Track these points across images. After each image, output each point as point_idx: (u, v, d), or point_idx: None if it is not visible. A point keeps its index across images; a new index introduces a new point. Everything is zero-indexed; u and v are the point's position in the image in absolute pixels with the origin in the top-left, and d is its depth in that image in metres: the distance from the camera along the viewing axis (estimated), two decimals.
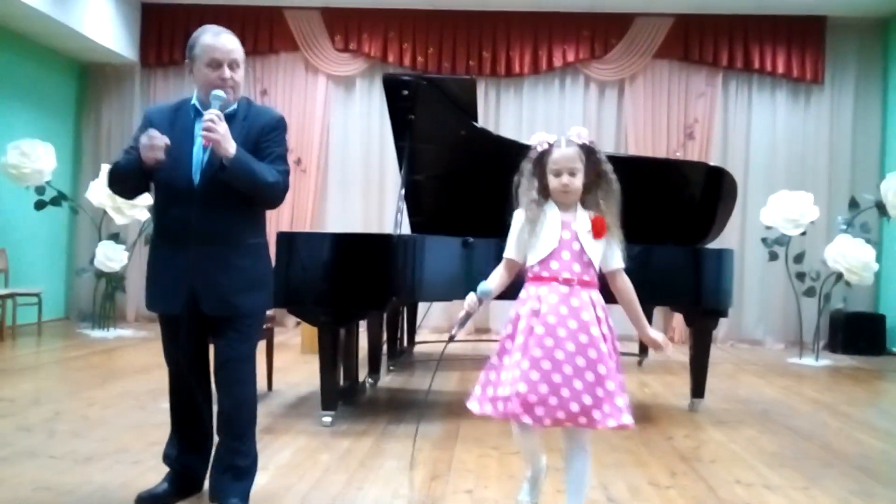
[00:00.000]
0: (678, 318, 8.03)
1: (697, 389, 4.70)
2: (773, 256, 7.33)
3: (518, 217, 2.51)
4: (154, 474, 3.04)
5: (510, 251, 2.53)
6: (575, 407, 2.32)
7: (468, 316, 2.51)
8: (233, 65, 2.58)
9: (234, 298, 2.59)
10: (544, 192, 2.48)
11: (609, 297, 2.55)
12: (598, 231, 2.43)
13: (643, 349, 6.60)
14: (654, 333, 2.55)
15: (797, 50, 8.21)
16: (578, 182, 2.44)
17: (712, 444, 3.92)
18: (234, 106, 2.61)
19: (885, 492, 3.19)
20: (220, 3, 8.33)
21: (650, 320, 6.42)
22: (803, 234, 7.07)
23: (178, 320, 2.61)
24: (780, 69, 8.22)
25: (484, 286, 2.49)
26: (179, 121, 2.62)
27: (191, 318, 2.61)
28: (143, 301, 8.59)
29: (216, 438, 2.69)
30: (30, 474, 3.04)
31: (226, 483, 2.62)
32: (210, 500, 2.67)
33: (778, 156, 8.29)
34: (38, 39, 7.63)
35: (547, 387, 2.32)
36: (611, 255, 2.49)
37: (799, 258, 7.28)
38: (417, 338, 7.10)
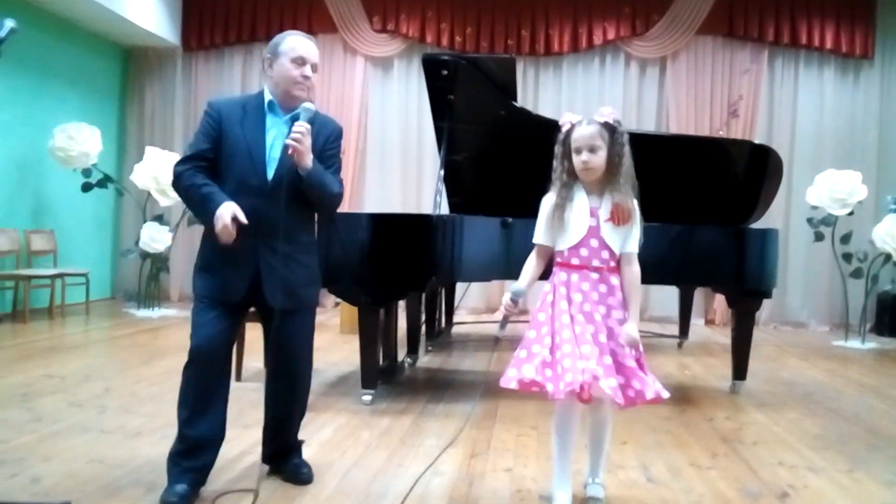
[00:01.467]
0: (720, 300, 7.93)
1: (739, 371, 4.64)
2: (819, 237, 7.18)
3: (547, 201, 2.57)
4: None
5: (540, 237, 2.59)
6: (609, 383, 2.38)
7: (506, 318, 2.58)
8: (314, 67, 2.72)
9: (299, 291, 2.72)
10: (572, 174, 2.52)
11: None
12: (617, 219, 2.49)
13: (683, 331, 6.53)
14: (634, 331, 2.48)
15: (846, 24, 7.96)
16: (599, 159, 2.47)
17: (754, 426, 3.88)
18: (313, 111, 2.68)
19: None
20: None
21: (692, 295, 6.42)
22: (850, 213, 6.90)
23: (231, 306, 2.67)
24: (829, 44, 7.99)
25: (516, 287, 2.55)
26: (250, 116, 2.70)
27: (246, 307, 2.76)
28: (186, 282, 8.72)
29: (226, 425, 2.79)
30: (82, 448, 3.14)
31: (297, 461, 2.89)
32: (284, 478, 2.85)
33: (825, 134, 8.08)
34: (82, 24, 7.77)
35: (582, 364, 2.37)
36: (629, 240, 2.54)
37: (846, 239, 7.11)
38: (455, 319, 7.13)
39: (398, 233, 3.90)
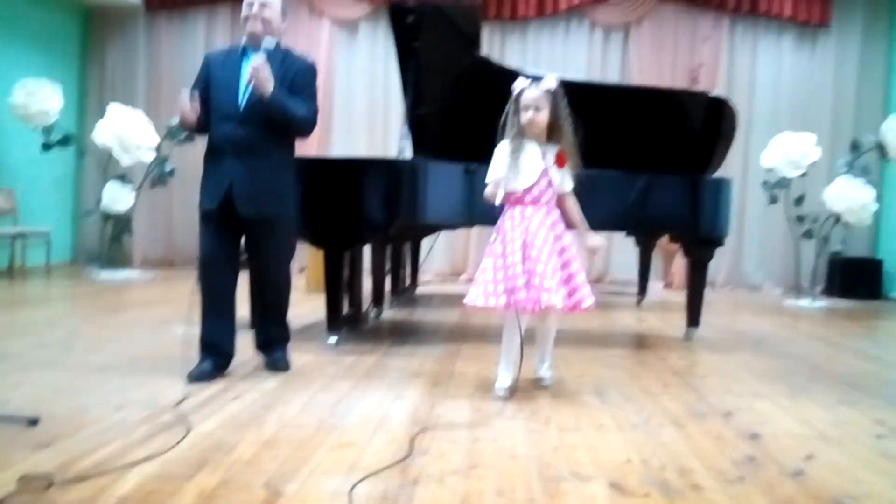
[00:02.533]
0: (678, 264, 8.12)
1: (693, 318, 4.80)
2: (773, 199, 7.39)
3: (502, 148, 3.10)
4: (168, 380, 3.18)
5: (495, 174, 3.08)
6: (560, 294, 2.99)
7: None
8: (259, 4, 3.20)
9: (267, 201, 3.21)
10: (522, 129, 3.07)
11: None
12: (560, 162, 3.10)
13: (642, 290, 6.72)
14: (593, 239, 3.18)
15: None
16: (541, 117, 3.04)
17: (704, 364, 4.05)
18: (273, 44, 3.24)
19: (869, 400, 3.31)
20: None
21: (651, 255, 6.64)
22: (804, 175, 7.12)
23: (220, 220, 3.20)
24: (787, 12, 8.17)
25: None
26: (230, 58, 3.27)
27: (222, 215, 3.19)
28: (150, 244, 8.78)
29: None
30: (49, 380, 3.17)
31: (275, 350, 3.48)
32: (265, 365, 3.47)
33: (782, 100, 8.29)
34: None
35: (526, 278, 2.96)
36: (565, 180, 3.14)
37: (799, 201, 7.34)
38: (420, 280, 7.22)
39: (362, 176, 3.96)
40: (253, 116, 3.16)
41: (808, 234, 7.32)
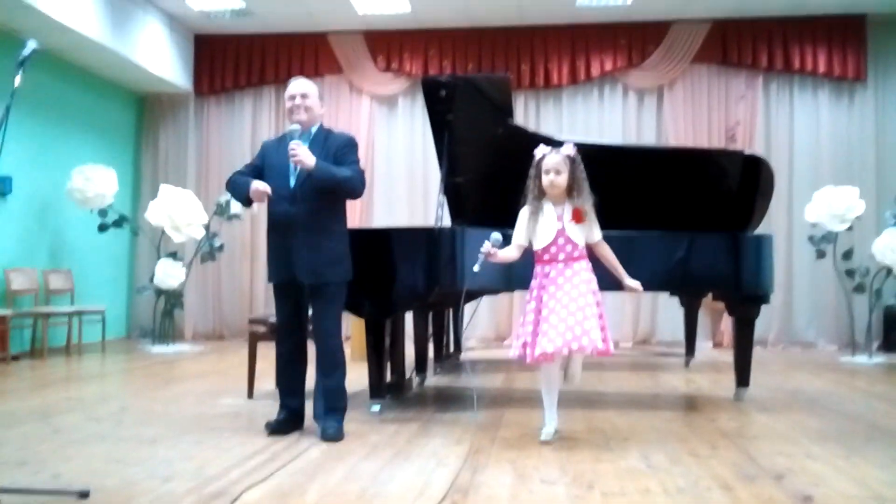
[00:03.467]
0: (727, 322, 7.97)
1: (742, 378, 4.70)
2: (821, 254, 7.26)
3: (523, 212, 3.45)
4: (215, 452, 3.25)
5: (518, 237, 3.45)
6: (598, 342, 3.22)
7: (485, 256, 3.36)
8: (302, 95, 3.60)
9: (323, 270, 3.52)
10: (542, 192, 3.39)
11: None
12: (577, 219, 3.36)
13: (689, 350, 6.60)
14: (630, 281, 3.45)
15: (838, 49, 8.17)
16: (561, 180, 3.33)
17: (755, 425, 3.95)
18: (316, 127, 3.66)
19: None
20: (269, 31, 8.71)
21: (696, 315, 6.54)
22: (850, 229, 7.00)
23: (287, 290, 3.59)
24: (822, 69, 8.19)
25: (496, 235, 3.36)
26: (282, 146, 3.59)
27: (289, 286, 3.58)
28: (200, 319, 9.05)
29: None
30: (100, 451, 3.26)
31: (324, 413, 3.55)
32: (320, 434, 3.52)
33: (823, 155, 8.22)
34: (98, 71, 8.09)
35: (578, 328, 3.20)
36: (591, 232, 3.41)
37: (847, 255, 7.19)
38: (464, 345, 7.21)
39: (401, 245, 4.05)
40: (304, 194, 3.50)
41: (859, 289, 7.14)
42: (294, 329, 3.68)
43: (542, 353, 3.26)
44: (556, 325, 3.24)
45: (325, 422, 3.54)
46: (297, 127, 3.56)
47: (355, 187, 3.58)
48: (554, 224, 3.36)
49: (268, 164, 3.65)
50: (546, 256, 3.38)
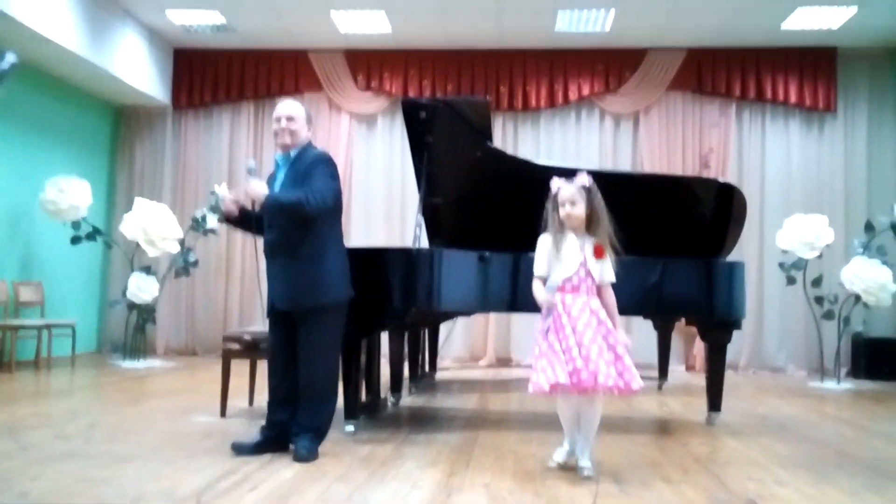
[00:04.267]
0: (699, 346, 8.05)
1: (714, 402, 4.75)
2: (791, 281, 7.39)
3: (544, 241, 3.35)
4: (186, 472, 3.21)
5: (540, 269, 3.34)
6: (610, 380, 3.13)
7: (549, 310, 3.26)
8: (288, 117, 3.61)
9: (298, 297, 3.49)
10: (562, 224, 3.33)
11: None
12: (598, 254, 3.31)
13: (662, 373, 6.66)
14: (623, 336, 3.27)
15: (809, 80, 8.36)
16: (578, 211, 3.29)
17: (726, 450, 3.99)
18: (297, 150, 3.62)
19: None
20: (249, 47, 8.71)
21: (670, 338, 6.59)
22: (819, 257, 7.14)
23: (270, 313, 3.61)
24: (793, 99, 8.37)
25: (551, 284, 3.26)
26: (277, 169, 3.68)
27: (276, 316, 3.59)
28: (172, 334, 8.91)
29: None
30: (69, 471, 3.20)
31: (302, 442, 3.48)
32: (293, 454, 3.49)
33: (794, 183, 8.38)
34: (75, 83, 8.03)
35: (579, 363, 3.12)
36: (605, 271, 3.34)
37: (817, 282, 7.32)
38: (439, 365, 7.21)
39: (378, 265, 4.06)
40: (272, 220, 3.54)
41: (828, 315, 7.26)
42: (283, 364, 3.60)
43: (559, 385, 3.14)
44: (598, 358, 3.15)
45: (299, 441, 3.49)
46: (251, 163, 3.64)
47: (312, 209, 3.41)
48: (577, 255, 3.29)
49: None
50: (568, 286, 3.27)
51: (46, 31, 6.53)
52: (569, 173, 3.43)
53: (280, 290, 3.50)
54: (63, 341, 7.45)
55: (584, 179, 3.34)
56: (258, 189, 3.42)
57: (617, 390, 3.16)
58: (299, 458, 3.43)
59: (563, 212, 3.30)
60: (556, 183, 3.38)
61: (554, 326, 3.22)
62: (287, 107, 3.65)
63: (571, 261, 3.28)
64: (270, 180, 3.65)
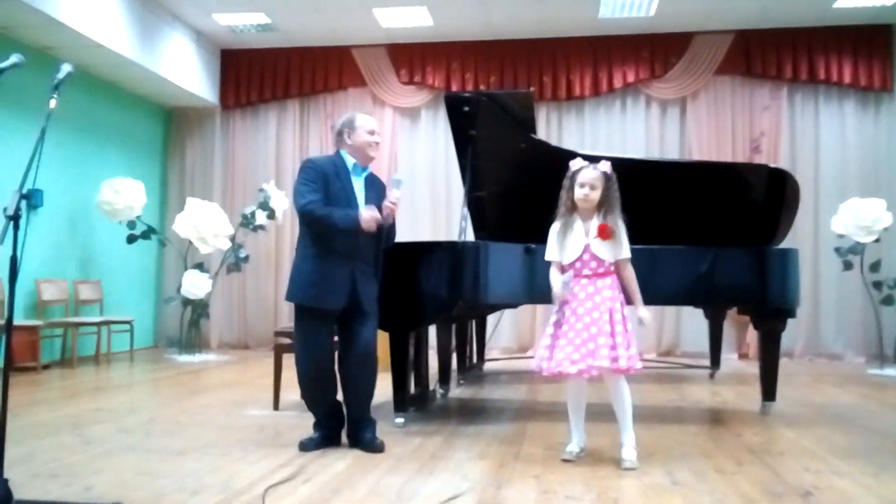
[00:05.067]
0: (752, 334, 7.90)
1: (768, 392, 4.67)
2: (848, 266, 7.19)
3: (553, 228, 3.42)
4: (242, 464, 3.30)
5: (550, 255, 3.42)
6: (604, 361, 3.16)
7: (562, 302, 3.32)
8: (378, 135, 3.76)
9: (373, 300, 3.70)
10: (573, 205, 3.35)
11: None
12: (602, 235, 3.30)
13: (714, 362, 6.55)
14: (643, 311, 3.33)
15: (864, 59, 8.10)
16: (594, 195, 3.31)
17: (782, 441, 3.91)
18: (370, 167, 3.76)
19: None
20: (293, 45, 8.82)
21: (721, 326, 6.46)
22: (877, 241, 6.93)
23: (328, 315, 3.57)
24: (847, 79, 8.12)
25: (565, 279, 3.30)
26: (342, 174, 3.63)
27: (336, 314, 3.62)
28: (226, 328, 9.00)
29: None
30: (130, 463, 3.32)
31: (370, 435, 3.61)
32: (361, 448, 3.58)
33: (849, 165, 8.14)
34: (127, 86, 8.25)
35: (584, 348, 3.19)
36: (617, 249, 3.32)
37: (875, 267, 7.11)
38: (487, 356, 7.23)
39: (425, 259, 4.08)
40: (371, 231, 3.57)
41: (887, 301, 7.05)
42: (331, 357, 3.70)
43: (560, 372, 3.24)
44: (564, 347, 3.23)
45: (373, 438, 3.61)
46: (400, 178, 3.77)
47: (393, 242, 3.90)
48: (581, 240, 3.32)
49: (330, 189, 3.56)
50: (572, 271, 3.33)
51: (98, 37, 6.72)
52: (615, 163, 3.41)
53: (367, 295, 3.64)
54: (121, 337, 7.69)
55: (606, 166, 3.35)
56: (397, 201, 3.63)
57: (613, 370, 3.21)
58: (382, 450, 3.56)
59: (580, 192, 3.29)
60: (579, 163, 3.36)
61: (559, 311, 3.32)
62: (377, 125, 3.78)
63: (575, 246, 3.31)
64: (343, 182, 3.61)
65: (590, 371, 3.19)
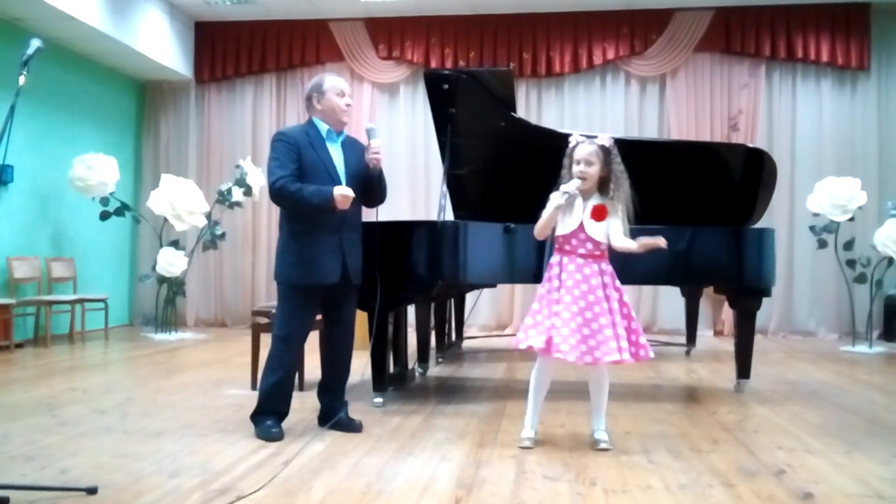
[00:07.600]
0: (727, 310, 7.99)
1: (742, 370, 4.73)
2: (822, 244, 7.27)
3: (554, 196, 3.22)
4: (220, 445, 3.28)
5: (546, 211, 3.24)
6: (614, 355, 3.08)
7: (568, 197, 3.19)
8: (349, 97, 3.59)
9: (359, 269, 3.62)
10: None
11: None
12: (596, 216, 3.20)
13: (690, 339, 6.62)
14: (647, 239, 3.20)
15: (841, 38, 8.13)
16: (592, 171, 3.19)
17: (756, 418, 3.97)
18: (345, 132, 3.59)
19: None
20: (270, 18, 8.66)
21: (698, 304, 6.53)
22: (851, 219, 7.01)
23: (316, 292, 3.47)
24: (825, 57, 8.14)
25: (571, 187, 3.18)
26: (316, 142, 3.47)
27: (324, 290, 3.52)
28: (202, 305, 8.88)
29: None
30: (107, 445, 3.29)
31: (347, 415, 3.60)
32: (341, 429, 3.54)
33: (825, 144, 8.20)
34: (99, 59, 8.07)
35: (592, 340, 3.10)
36: (612, 232, 3.21)
37: (848, 245, 7.21)
38: (466, 334, 7.25)
39: (404, 239, 4.06)
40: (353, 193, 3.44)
41: (860, 279, 7.16)
42: (307, 335, 3.65)
43: (557, 351, 3.08)
44: (559, 329, 3.09)
45: (351, 419, 3.61)
46: (373, 126, 3.59)
47: (384, 198, 3.84)
48: (578, 216, 3.20)
49: (306, 159, 3.40)
50: (567, 247, 3.21)
51: (70, 9, 6.55)
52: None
53: (356, 265, 3.58)
54: (96, 315, 7.59)
55: (604, 140, 3.24)
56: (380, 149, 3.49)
57: (634, 358, 3.16)
58: (360, 430, 3.58)
59: (576, 169, 3.19)
60: (575, 138, 3.29)
61: (550, 288, 3.19)
62: (348, 85, 3.62)
63: (572, 220, 3.21)
64: (318, 150, 3.45)
65: (597, 363, 3.12)
